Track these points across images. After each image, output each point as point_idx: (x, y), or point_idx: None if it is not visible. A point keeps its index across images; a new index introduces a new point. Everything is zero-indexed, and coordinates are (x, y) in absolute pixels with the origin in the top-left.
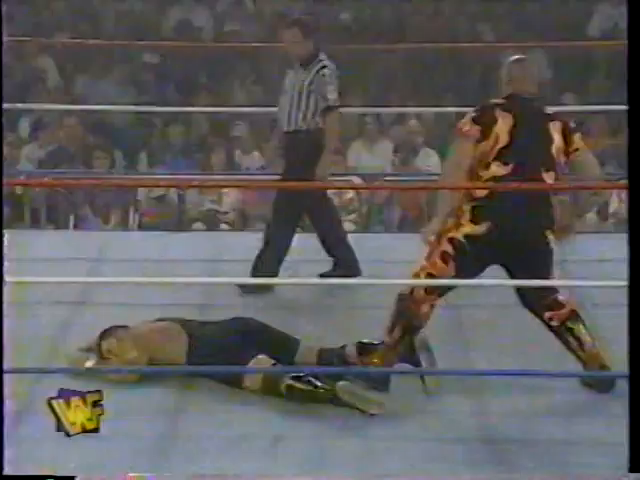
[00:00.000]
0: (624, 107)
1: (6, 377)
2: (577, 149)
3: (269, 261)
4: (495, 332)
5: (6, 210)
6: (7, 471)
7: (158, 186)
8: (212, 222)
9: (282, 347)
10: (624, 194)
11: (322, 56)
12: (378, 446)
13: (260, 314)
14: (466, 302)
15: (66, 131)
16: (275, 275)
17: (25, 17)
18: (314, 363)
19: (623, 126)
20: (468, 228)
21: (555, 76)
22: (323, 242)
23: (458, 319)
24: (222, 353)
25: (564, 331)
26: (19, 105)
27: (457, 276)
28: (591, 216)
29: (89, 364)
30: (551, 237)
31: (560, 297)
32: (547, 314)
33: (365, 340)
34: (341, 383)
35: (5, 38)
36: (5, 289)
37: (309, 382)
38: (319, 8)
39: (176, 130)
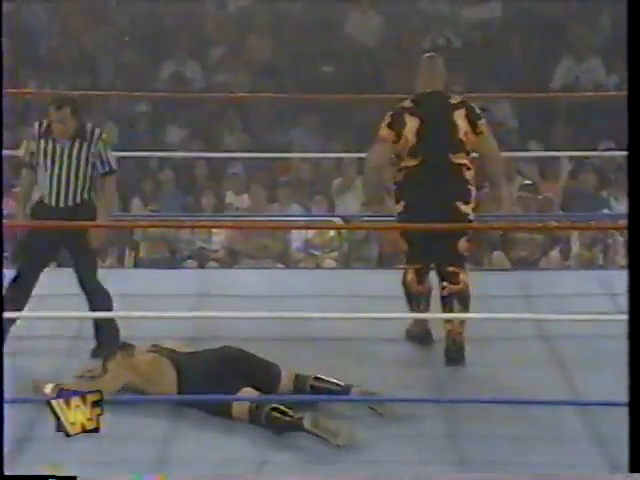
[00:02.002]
0: (584, 152)
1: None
2: (481, 132)
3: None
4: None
5: (10, 250)
6: (7, 471)
7: (153, 226)
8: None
9: (266, 374)
10: (583, 238)
11: (90, 127)
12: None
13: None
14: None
15: None
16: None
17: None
18: (291, 388)
19: (582, 169)
20: (397, 207)
21: (521, 125)
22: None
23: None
24: (209, 387)
25: (445, 303)
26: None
27: (411, 246)
28: (554, 254)
29: (48, 390)
30: (463, 207)
31: (461, 275)
32: (444, 282)
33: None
34: (308, 414)
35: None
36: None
37: (284, 412)
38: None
39: (169, 174)
